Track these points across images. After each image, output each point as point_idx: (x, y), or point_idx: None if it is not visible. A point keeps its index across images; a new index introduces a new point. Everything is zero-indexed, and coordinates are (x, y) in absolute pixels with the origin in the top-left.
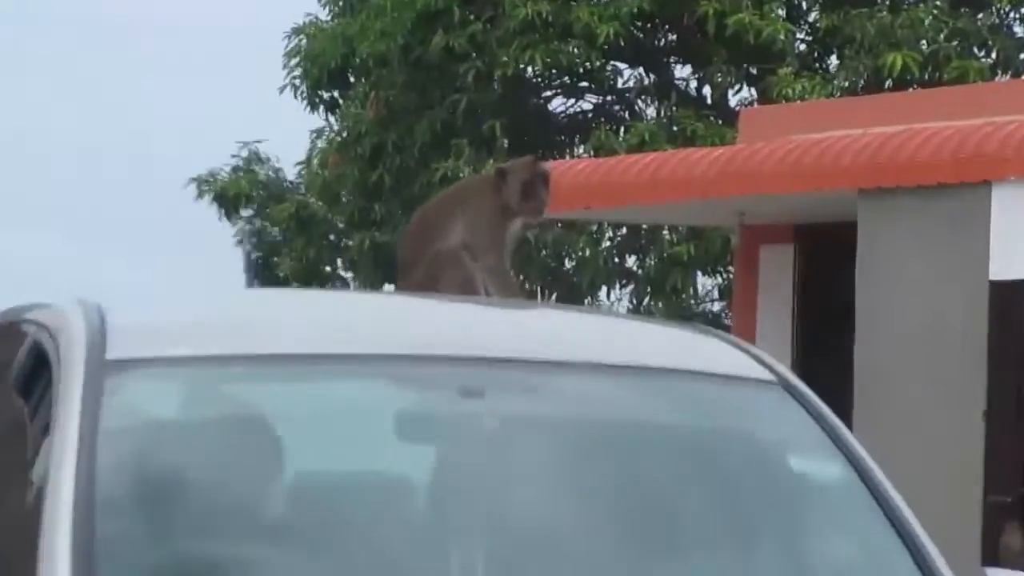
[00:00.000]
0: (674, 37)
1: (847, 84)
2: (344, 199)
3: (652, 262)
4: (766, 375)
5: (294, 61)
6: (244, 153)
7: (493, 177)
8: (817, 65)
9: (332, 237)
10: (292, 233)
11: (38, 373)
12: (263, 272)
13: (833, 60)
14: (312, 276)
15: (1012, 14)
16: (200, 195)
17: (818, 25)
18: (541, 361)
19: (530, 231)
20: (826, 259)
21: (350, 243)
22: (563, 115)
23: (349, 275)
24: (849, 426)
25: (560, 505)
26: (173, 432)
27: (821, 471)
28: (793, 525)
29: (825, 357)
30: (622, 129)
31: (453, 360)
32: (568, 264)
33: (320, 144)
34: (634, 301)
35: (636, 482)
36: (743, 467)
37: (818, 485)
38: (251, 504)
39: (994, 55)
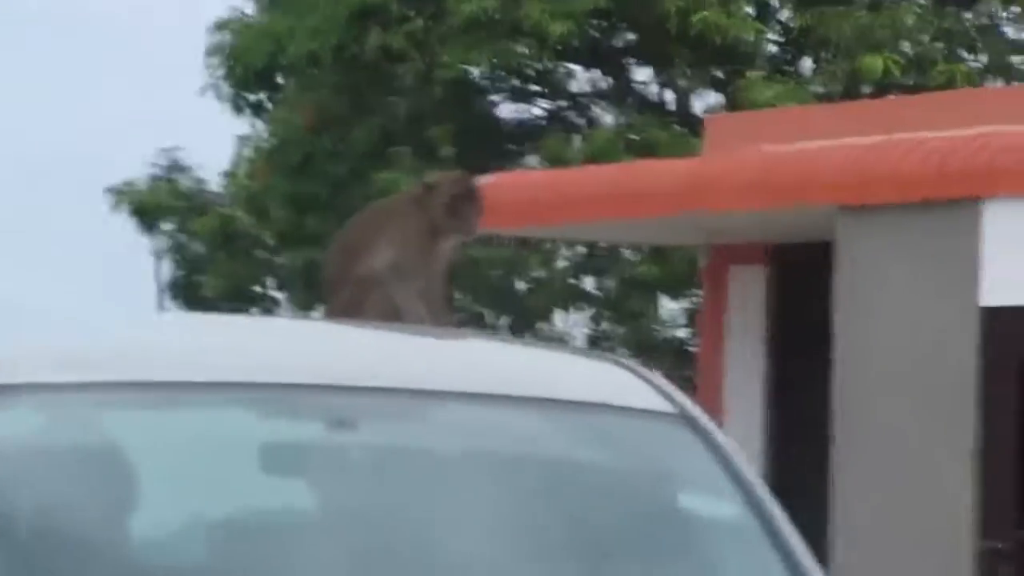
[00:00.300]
0: (634, 36)
1: (823, 89)
2: (273, 213)
3: (612, 284)
4: (665, 407)
5: (217, 59)
6: (163, 161)
7: (419, 193)
8: (790, 68)
9: (261, 254)
10: (216, 249)
11: None
12: (185, 291)
13: (807, 63)
14: (239, 296)
15: (1003, 14)
16: (116, 206)
17: (791, 25)
18: (422, 391)
19: (467, 249)
20: (802, 281)
21: (280, 260)
22: (513, 121)
23: (280, 295)
24: (826, 464)
25: (426, 542)
26: (15, 462)
27: (712, 508)
28: (673, 564)
29: (800, 389)
30: (577, 138)
31: (324, 389)
32: (520, 285)
33: (246, 152)
34: (592, 326)
35: (509, 517)
36: (624, 502)
37: (706, 522)
38: (95, 539)
39: (984, 58)
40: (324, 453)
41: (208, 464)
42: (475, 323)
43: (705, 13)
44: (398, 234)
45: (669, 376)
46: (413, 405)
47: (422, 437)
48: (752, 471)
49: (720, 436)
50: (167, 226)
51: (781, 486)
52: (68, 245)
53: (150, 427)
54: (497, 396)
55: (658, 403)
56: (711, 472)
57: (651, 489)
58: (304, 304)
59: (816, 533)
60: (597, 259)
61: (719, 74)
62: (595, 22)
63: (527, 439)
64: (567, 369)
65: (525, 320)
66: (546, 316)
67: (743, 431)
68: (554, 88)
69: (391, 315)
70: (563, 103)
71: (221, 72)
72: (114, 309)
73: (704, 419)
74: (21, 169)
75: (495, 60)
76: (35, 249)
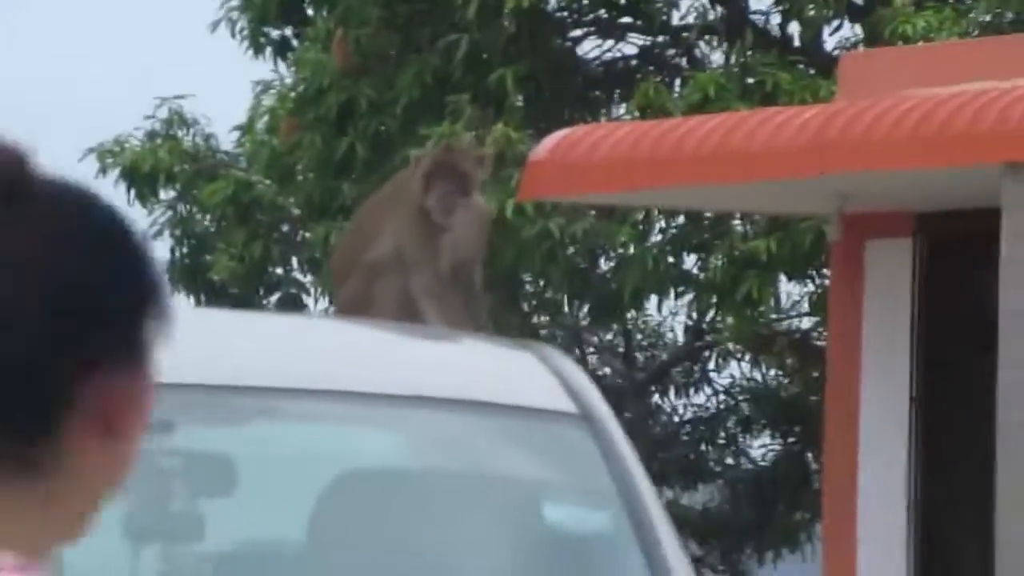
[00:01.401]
0: None
1: (988, 18)
2: (301, 177)
3: (719, 263)
4: (567, 406)
5: None
6: (163, 113)
7: (408, 171)
8: None
9: (284, 228)
10: (229, 223)
11: None
12: (189, 275)
13: None
14: (256, 280)
15: None
16: (103, 171)
17: None
18: (288, 389)
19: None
20: (958, 256)
21: (308, 236)
22: (598, 62)
23: (307, 278)
24: (990, 469)
25: (275, 555)
26: None
27: (585, 519)
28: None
29: (956, 383)
30: (678, 81)
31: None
32: (605, 265)
33: (267, 102)
34: (693, 315)
35: (363, 526)
36: (485, 511)
37: (573, 532)
38: None
39: None
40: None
41: None
42: (549, 311)
43: None
44: (398, 219)
45: (793, 372)
46: (278, 404)
47: (276, 437)
48: (643, 477)
49: (619, 439)
50: (167, 194)
51: (932, 501)
52: None
53: None
54: (368, 395)
55: (559, 401)
56: (597, 482)
57: (519, 495)
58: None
59: (974, 543)
60: (701, 232)
61: (858, 1)
62: None
63: (391, 444)
64: (468, 363)
65: (609, 308)
66: (636, 303)
67: (885, 437)
68: (650, 20)
69: (402, 306)
70: (661, 39)
71: (236, 2)
72: None
73: (606, 420)
74: None
75: None
76: None
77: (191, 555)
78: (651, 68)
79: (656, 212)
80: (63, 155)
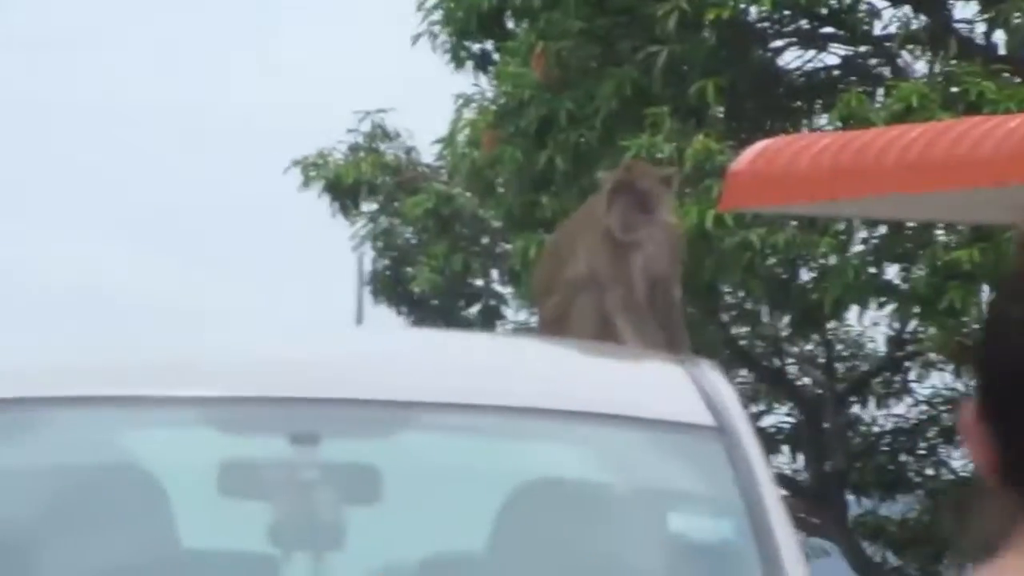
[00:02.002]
0: None
1: None
2: (501, 189)
3: (921, 273)
4: (704, 419)
5: (432, 1)
6: (365, 127)
7: (599, 193)
8: None
9: (485, 240)
10: (431, 235)
11: None
12: (391, 287)
13: None
14: (457, 292)
15: None
16: (306, 183)
17: None
18: (397, 402)
19: (725, 236)
20: None
21: (508, 248)
22: (799, 72)
23: (507, 290)
24: None
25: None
26: None
27: (709, 528)
28: None
29: None
30: (880, 91)
31: (284, 402)
32: (806, 276)
33: (468, 115)
34: (895, 325)
35: (488, 537)
36: (611, 521)
37: (696, 545)
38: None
39: None
40: (285, 471)
41: (162, 482)
42: (749, 322)
43: None
44: (590, 239)
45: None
46: (398, 417)
47: (400, 451)
48: (772, 488)
49: (752, 452)
50: (369, 206)
51: None
52: (252, 234)
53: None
54: (505, 408)
55: (696, 414)
56: (725, 492)
57: (645, 507)
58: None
59: None
60: (904, 242)
61: None
62: None
63: (522, 456)
64: (615, 378)
65: (810, 318)
66: (837, 313)
67: None
68: (852, 30)
69: (599, 323)
70: (863, 48)
71: (438, 16)
72: (307, 311)
73: (743, 434)
74: (185, 143)
75: None
76: (215, 240)
77: (378, 567)
78: (853, 78)
79: (857, 222)
80: (268, 168)
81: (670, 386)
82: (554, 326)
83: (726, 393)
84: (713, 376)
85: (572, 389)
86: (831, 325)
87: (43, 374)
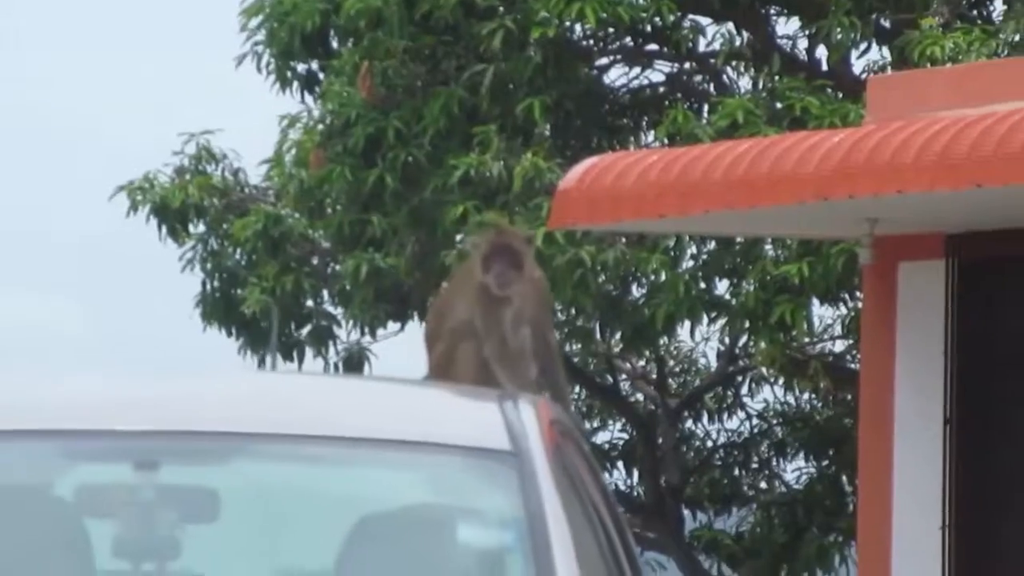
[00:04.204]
0: None
1: (1017, 39)
2: (330, 209)
3: (751, 288)
4: (502, 445)
5: (256, 21)
6: (190, 149)
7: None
8: (975, 13)
9: (315, 261)
10: (260, 256)
11: None
12: (221, 309)
13: (998, 5)
14: (287, 313)
15: None
16: (134, 208)
17: None
18: (228, 432)
19: (563, 257)
20: (990, 277)
21: (339, 268)
22: (625, 90)
23: (338, 311)
24: None
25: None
26: None
27: (494, 540)
28: None
29: (990, 404)
30: (706, 108)
31: (129, 435)
32: (637, 292)
33: (294, 135)
34: (726, 340)
35: (302, 558)
36: (406, 532)
37: (479, 554)
38: None
39: None
40: (128, 493)
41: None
42: (581, 339)
43: None
44: (466, 295)
45: (827, 396)
46: (215, 448)
47: (227, 478)
48: (555, 504)
49: (542, 474)
50: (197, 229)
51: (966, 523)
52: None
53: None
54: (308, 436)
55: (495, 441)
56: (512, 506)
57: (437, 520)
58: (367, 321)
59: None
60: (733, 257)
61: (885, 23)
62: None
63: (326, 480)
64: (420, 411)
65: (642, 335)
66: (669, 329)
67: (919, 460)
68: (677, 47)
69: (479, 368)
70: (688, 65)
71: (262, 36)
72: (143, 332)
73: (536, 457)
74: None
75: (602, 14)
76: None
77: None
78: (679, 95)
79: (687, 238)
80: (93, 193)
81: (479, 418)
82: (441, 370)
83: (529, 424)
84: (524, 409)
85: (390, 421)
86: (663, 341)
87: None
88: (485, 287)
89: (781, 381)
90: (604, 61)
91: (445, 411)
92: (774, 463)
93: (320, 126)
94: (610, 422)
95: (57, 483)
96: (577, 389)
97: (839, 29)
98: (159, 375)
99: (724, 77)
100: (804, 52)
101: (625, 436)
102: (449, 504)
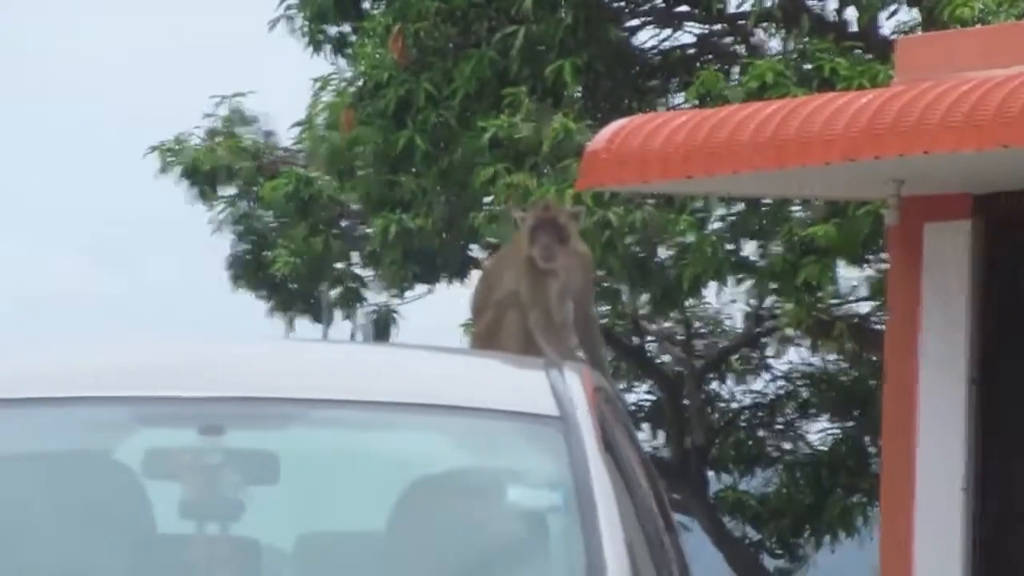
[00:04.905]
0: None
1: None
2: (361, 171)
3: (778, 249)
4: (550, 411)
5: None
6: (222, 111)
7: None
8: None
9: (345, 223)
10: (290, 218)
11: None
12: (251, 271)
13: None
14: (317, 274)
15: None
16: (164, 169)
17: None
18: (289, 399)
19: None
20: (1016, 237)
21: (369, 230)
22: (655, 51)
23: (368, 273)
24: None
25: (282, 538)
26: None
27: (543, 500)
28: (475, 548)
29: (1015, 364)
30: (736, 69)
31: (196, 401)
32: (664, 254)
33: (326, 98)
34: (752, 302)
35: (358, 517)
36: (459, 493)
37: (527, 515)
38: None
39: None
40: (195, 457)
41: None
42: (608, 300)
43: None
44: (513, 268)
45: (852, 357)
46: (286, 412)
47: (291, 441)
48: (600, 469)
49: (588, 438)
50: (228, 191)
51: (990, 483)
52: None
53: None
54: (370, 402)
55: (544, 407)
56: (559, 468)
57: (488, 481)
58: (395, 282)
59: None
60: (760, 219)
61: None
62: None
63: (383, 443)
64: (472, 378)
65: (669, 296)
66: (695, 290)
67: (943, 420)
68: (707, 9)
69: (523, 337)
70: (718, 27)
71: (295, 0)
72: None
73: (582, 422)
74: (43, 130)
75: None
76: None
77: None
78: (709, 56)
79: (714, 200)
80: (127, 154)
81: (527, 385)
82: (487, 339)
83: (575, 391)
84: (570, 377)
85: (441, 388)
86: (689, 302)
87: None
88: (531, 260)
89: (807, 342)
90: (635, 23)
91: (495, 378)
92: (799, 424)
93: (351, 88)
94: (636, 383)
95: (127, 448)
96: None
97: None
98: (218, 342)
99: (753, 39)
100: (834, 13)
101: (651, 397)
102: (499, 467)
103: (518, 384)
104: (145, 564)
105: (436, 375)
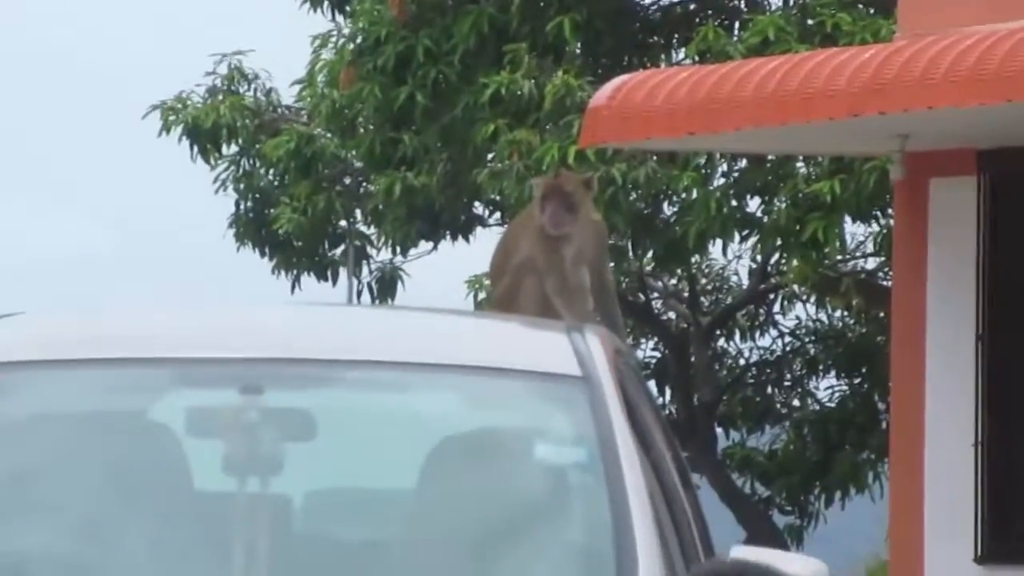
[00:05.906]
0: None
1: None
2: (362, 128)
3: (782, 206)
4: (573, 371)
5: None
6: (223, 69)
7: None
8: None
9: (347, 180)
10: (292, 176)
11: None
12: (254, 229)
13: None
14: (320, 233)
15: None
16: (166, 128)
17: None
18: (325, 360)
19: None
20: (1022, 192)
21: (372, 188)
22: (656, 7)
23: (371, 230)
24: None
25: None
26: None
27: (568, 456)
28: (499, 531)
29: (1022, 319)
30: (737, 25)
31: (236, 362)
32: (668, 210)
33: (326, 55)
34: (758, 258)
35: (390, 474)
36: (486, 448)
37: (552, 471)
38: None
39: None
40: (236, 415)
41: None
42: (613, 257)
43: None
44: (529, 234)
45: (859, 313)
46: (321, 373)
47: (326, 401)
48: (623, 427)
49: (610, 397)
50: (230, 150)
51: (998, 438)
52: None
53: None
54: (400, 363)
55: (567, 367)
56: (583, 426)
57: (517, 438)
58: (399, 239)
59: None
60: (765, 175)
61: None
62: None
63: (414, 403)
64: (499, 341)
65: (673, 253)
66: (700, 247)
67: (951, 376)
68: None
69: (540, 301)
70: None
71: None
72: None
73: (604, 382)
74: (45, 88)
75: None
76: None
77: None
78: (710, 12)
79: (718, 156)
80: (126, 114)
81: (551, 346)
82: (505, 303)
83: (596, 352)
84: (591, 339)
85: (468, 349)
86: (695, 259)
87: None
88: (543, 227)
89: (813, 299)
90: None
91: (519, 340)
92: (806, 381)
93: (351, 45)
94: (643, 340)
95: (171, 406)
96: None
97: None
98: (255, 306)
99: None
100: None
101: (657, 354)
102: (525, 426)
103: (542, 346)
104: (183, 517)
105: (464, 338)
